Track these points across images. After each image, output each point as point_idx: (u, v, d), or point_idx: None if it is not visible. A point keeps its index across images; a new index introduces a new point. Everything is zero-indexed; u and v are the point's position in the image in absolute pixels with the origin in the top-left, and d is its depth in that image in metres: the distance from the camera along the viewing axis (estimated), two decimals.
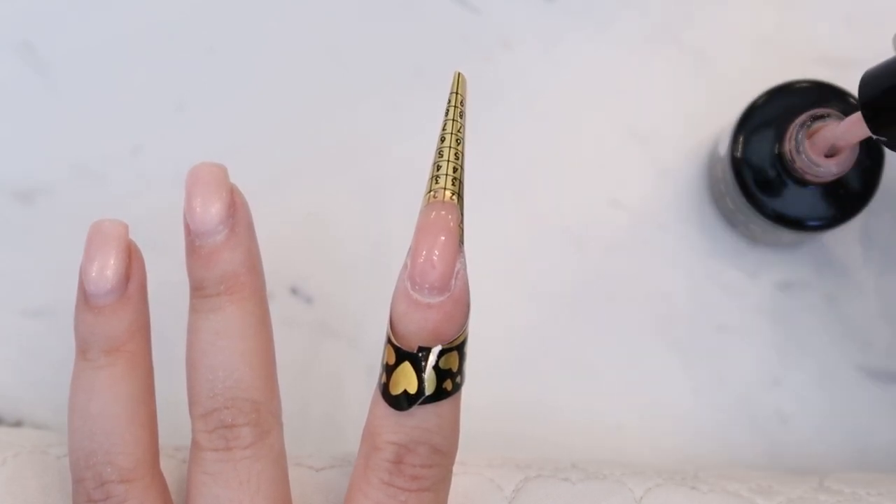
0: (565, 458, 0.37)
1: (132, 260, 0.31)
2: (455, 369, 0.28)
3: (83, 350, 0.31)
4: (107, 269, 0.30)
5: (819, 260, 0.42)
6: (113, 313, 0.30)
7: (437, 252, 0.27)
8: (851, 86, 0.43)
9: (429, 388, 0.28)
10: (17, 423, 0.41)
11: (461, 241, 0.28)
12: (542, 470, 0.35)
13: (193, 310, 0.30)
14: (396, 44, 0.43)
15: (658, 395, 0.41)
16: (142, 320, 0.31)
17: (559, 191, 0.42)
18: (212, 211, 0.30)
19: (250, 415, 0.30)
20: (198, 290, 0.30)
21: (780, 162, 0.38)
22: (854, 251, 0.42)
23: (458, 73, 0.30)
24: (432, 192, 0.28)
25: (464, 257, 0.28)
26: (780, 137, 0.38)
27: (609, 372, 0.41)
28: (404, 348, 0.28)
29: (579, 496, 0.34)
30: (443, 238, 0.27)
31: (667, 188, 0.42)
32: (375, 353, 0.29)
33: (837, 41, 0.42)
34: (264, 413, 0.30)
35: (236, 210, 0.30)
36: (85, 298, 0.31)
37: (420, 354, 0.27)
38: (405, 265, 0.28)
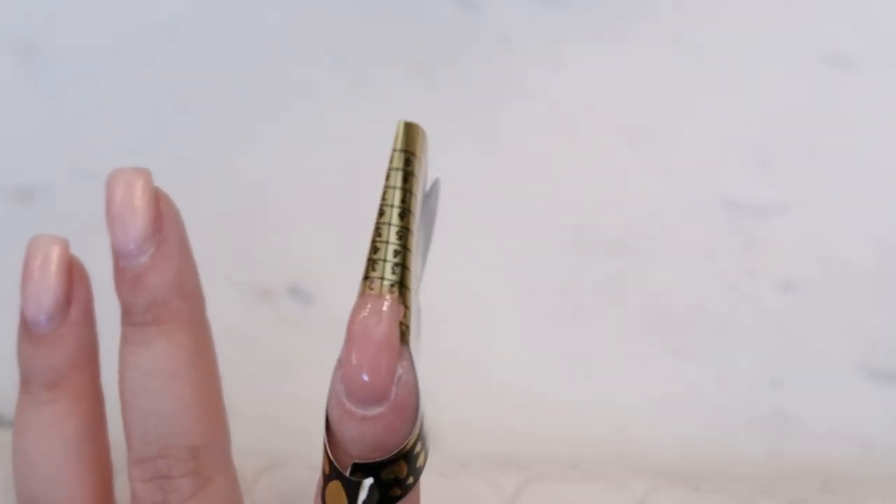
0: (566, 459, 0.37)
1: (74, 280, 0.27)
2: (403, 475, 0.23)
3: (25, 382, 0.27)
4: (44, 294, 0.27)
5: (819, 260, 0.42)
6: (54, 342, 0.27)
7: (369, 363, 0.23)
8: (853, 85, 0.43)
9: None
10: None
11: (405, 340, 0.23)
12: (543, 470, 0.35)
13: (124, 339, 0.27)
14: (396, 44, 0.43)
15: (658, 395, 0.41)
16: (87, 348, 0.28)
17: (559, 191, 0.42)
18: (133, 228, 0.25)
19: (188, 463, 0.26)
20: (127, 314, 0.26)
21: None
22: (854, 250, 0.42)
23: (402, 123, 0.24)
24: (368, 281, 0.23)
25: (409, 357, 0.23)
26: None
27: (609, 372, 0.41)
28: (336, 464, 0.23)
29: (580, 497, 0.34)
30: (377, 345, 0.23)
31: (667, 188, 0.42)
32: None
33: (839, 41, 0.42)
34: (205, 458, 0.26)
35: (163, 224, 0.26)
36: (25, 325, 0.27)
37: (353, 477, 0.23)
38: (339, 362, 0.23)
